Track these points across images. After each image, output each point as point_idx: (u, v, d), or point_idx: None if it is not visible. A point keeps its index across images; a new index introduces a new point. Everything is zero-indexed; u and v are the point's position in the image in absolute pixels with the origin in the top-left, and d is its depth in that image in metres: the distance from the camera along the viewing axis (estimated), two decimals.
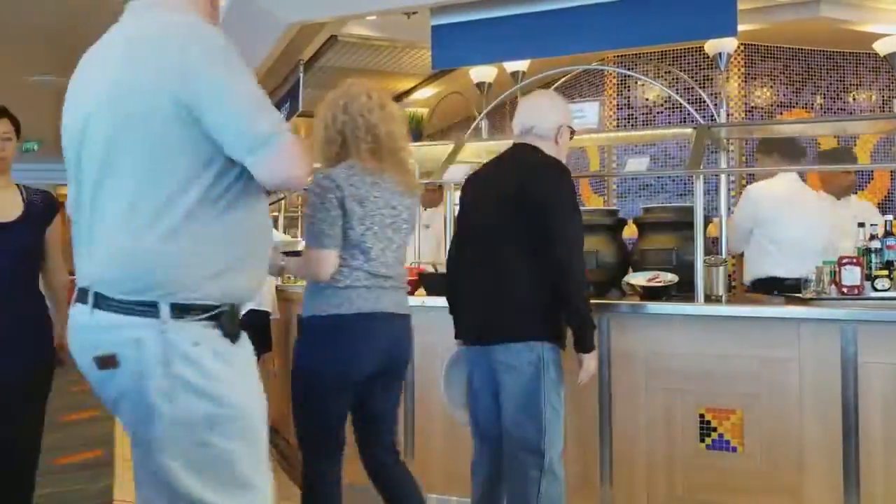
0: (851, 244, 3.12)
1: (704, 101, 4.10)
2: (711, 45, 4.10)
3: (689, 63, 5.31)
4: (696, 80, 5.19)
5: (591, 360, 2.51)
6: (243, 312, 3.98)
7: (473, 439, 2.71)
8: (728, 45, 4.05)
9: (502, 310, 2.50)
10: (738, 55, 5.25)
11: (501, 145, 2.84)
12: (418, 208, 2.85)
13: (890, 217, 3.02)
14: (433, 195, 5.26)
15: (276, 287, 4.61)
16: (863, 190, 5.45)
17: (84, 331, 1.59)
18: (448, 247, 2.87)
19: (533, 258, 2.47)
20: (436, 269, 3.39)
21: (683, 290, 3.08)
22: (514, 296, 2.49)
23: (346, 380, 2.38)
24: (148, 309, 1.50)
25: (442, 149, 4.01)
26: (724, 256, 3.16)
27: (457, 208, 2.83)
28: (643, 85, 5.38)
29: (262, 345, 4.21)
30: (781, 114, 5.30)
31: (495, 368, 2.52)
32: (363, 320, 2.35)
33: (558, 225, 2.45)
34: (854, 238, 3.10)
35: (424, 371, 3.28)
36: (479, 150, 3.87)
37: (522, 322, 2.48)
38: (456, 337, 2.77)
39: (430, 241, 4.53)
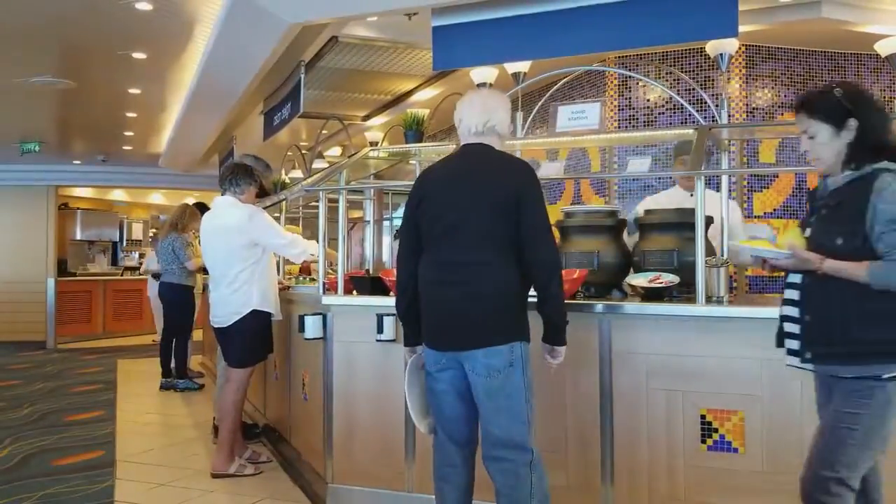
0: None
1: (705, 102, 4.08)
2: (713, 46, 4.10)
3: (690, 64, 5.31)
4: (698, 81, 5.19)
5: (563, 350, 2.53)
6: (246, 313, 4.02)
7: (440, 447, 2.62)
8: (729, 46, 4.05)
9: (482, 312, 2.43)
10: (740, 56, 5.26)
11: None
12: None
13: None
14: None
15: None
16: None
17: None
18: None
19: (510, 257, 2.44)
20: None
21: (684, 290, 3.08)
22: (493, 297, 2.43)
23: None
24: None
25: (443, 150, 4.01)
26: (724, 257, 3.15)
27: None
28: (644, 86, 5.38)
29: (265, 346, 4.21)
30: (782, 114, 5.30)
31: (474, 371, 2.44)
32: None
33: (541, 224, 2.44)
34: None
35: None
36: None
37: (503, 323, 2.44)
38: (413, 344, 2.67)
39: None
